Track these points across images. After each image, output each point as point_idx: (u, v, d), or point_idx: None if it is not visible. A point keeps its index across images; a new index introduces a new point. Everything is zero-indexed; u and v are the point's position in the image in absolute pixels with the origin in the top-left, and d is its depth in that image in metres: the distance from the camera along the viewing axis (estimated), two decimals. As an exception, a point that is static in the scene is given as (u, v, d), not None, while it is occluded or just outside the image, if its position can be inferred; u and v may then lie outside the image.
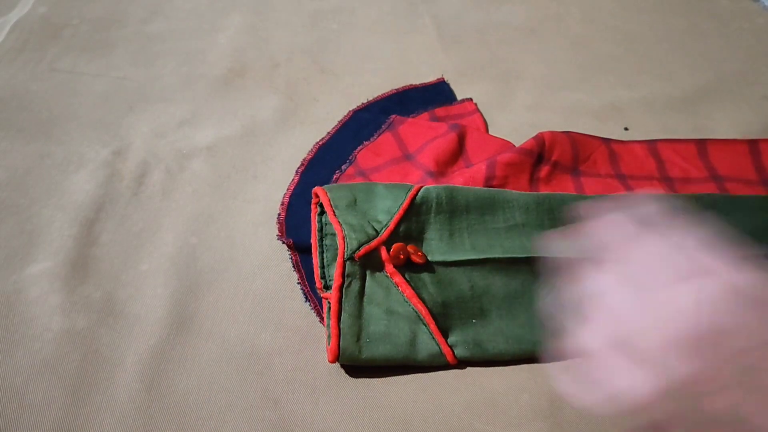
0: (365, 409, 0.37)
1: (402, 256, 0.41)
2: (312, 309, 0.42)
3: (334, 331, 0.38)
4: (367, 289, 0.40)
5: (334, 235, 0.42)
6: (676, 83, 0.62)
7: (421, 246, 0.42)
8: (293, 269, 0.44)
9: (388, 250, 0.40)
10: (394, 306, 0.40)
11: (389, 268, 0.40)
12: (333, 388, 0.38)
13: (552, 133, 0.52)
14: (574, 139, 0.53)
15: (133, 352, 0.39)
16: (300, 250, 0.45)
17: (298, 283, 0.43)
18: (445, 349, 0.39)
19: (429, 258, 0.41)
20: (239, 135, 0.55)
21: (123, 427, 0.36)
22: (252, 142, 0.54)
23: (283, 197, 0.49)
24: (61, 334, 0.40)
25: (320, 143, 0.54)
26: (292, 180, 0.50)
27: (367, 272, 0.40)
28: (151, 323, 0.41)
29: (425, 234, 0.43)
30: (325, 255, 0.42)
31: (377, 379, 0.38)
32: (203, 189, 0.50)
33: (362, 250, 0.40)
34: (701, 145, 0.52)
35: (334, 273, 0.40)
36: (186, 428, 0.36)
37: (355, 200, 0.43)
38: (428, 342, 0.39)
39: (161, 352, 0.39)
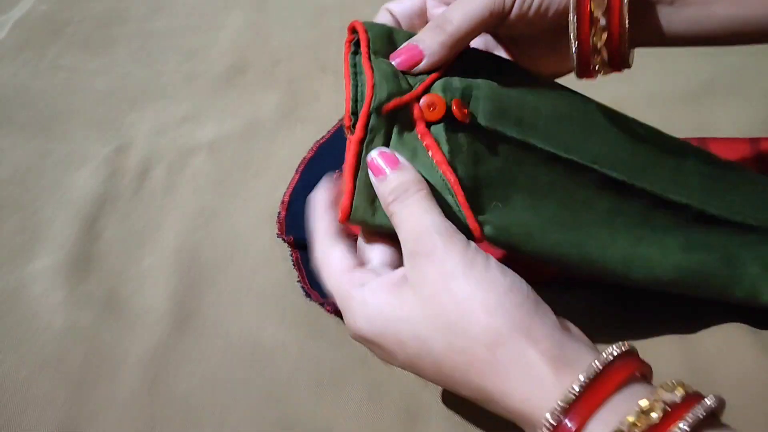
0: (369, 405, 0.37)
1: (438, 110, 0.34)
2: (314, 301, 0.42)
3: (348, 186, 0.33)
4: (391, 148, 0.34)
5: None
6: (677, 79, 0.61)
7: (468, 104, 0.36)
8: (293, 267, 0.44)
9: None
10: (420, 171, 0.34)
11: (420, 127, 0.35)
12: (337, 384, 0.38)
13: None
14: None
15: (135, 348, 0.39)
16: (300, 247, 0.45)
17: (298, 281, 0.43)
18: (472, 224, 0.33)
19: (476, 117, 0.36)
20: (240, 132, 0.55)
21: (126, 423, 0.36)
22: (253, 139, 0.54)
23: (284, 195, 0.49)
24: (64, 330, 0.40)
25: (320, 142, 0.54)
26: (293, 178, 0.50)
27: (395, 129, 0.35)
28: (153, 320, 0.41)
29: (473, 91, 0.36)
30: (358, 90, 0.35)
31: (382, 375, 0.38)
32: (205, 186, 0.50)
33: (392, 103, 0.34)
34: (702, 142, 0.52)
35: (357, 124, 0.34)
36: (189, 424, 0.36)
37: (396, 45, 0.37)
38: (453, 215, 0.34)
39: (164, 349, 0.39)
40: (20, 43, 0.65)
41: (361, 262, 0.32)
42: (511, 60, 0.40)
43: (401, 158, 0.32)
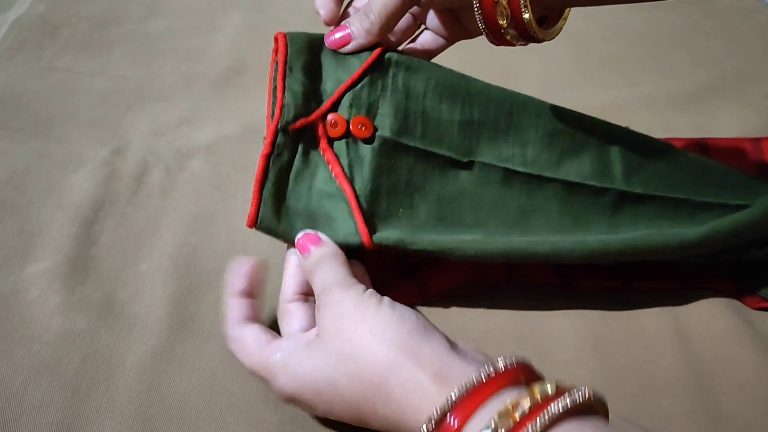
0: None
1: (339, 128, 0.38)
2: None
3: (255, 197, 0.37)
4: (295, 164, 0.38)
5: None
6: (677, 81, 0.61)
7: (374, 118, 0.40)
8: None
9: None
10: (319, 184, 0.38)
11: (323, 143, 0.39)
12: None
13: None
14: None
15: (133, 352, 0.39)
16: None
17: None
18: (362, 228, 0.37)
19: (379, 132, 0.39)
20: (239, 134, 0.55)
21: (123, 429, 0.35)
22: (252, 141, 0.54)
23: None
24: (61, 334, 0.40)
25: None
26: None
27: (300, 146, 0.38)
28: (151, 323, 0.41)
29: (378, 109, 0.40)
30: (274, 107, 0.39)
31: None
32: (203, 188, 0.50)
33: (297, 123, 0.38)
34: (703, 143, 0.52)
35: (265, 140, 0.38)
36: (186, 429, 0.36)
37: (313, 62, 0.40)
38: (346, 220, 0.37)
39: (161, 353, 0.39)
40: (16, 44, 0.65)
41: (276, 336, 0.35)
42: (431, 63, 0.43)
43: (323, 236, 0.36)
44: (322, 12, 0.41)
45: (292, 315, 0.36)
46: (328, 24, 0.42)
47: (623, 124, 0.56)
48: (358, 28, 0.40)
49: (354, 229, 0.37)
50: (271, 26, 0.68)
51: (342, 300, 0.32)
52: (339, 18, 0.42)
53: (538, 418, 0.25)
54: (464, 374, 0.28)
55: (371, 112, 0.40)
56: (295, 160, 0.38)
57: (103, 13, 0.70)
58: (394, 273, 0.42)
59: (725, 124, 0.56)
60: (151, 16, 0.70)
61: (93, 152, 0.52)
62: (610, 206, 0.41)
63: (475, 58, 0.63)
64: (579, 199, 0.41)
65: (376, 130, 0.39)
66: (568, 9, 0.39)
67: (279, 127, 0.38)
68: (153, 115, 0.57)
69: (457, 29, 0.43)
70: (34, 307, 0.41)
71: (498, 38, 0.38)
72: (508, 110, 0.42)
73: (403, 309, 0.32)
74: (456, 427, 0.26)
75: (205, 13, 0.71)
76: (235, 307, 0.36)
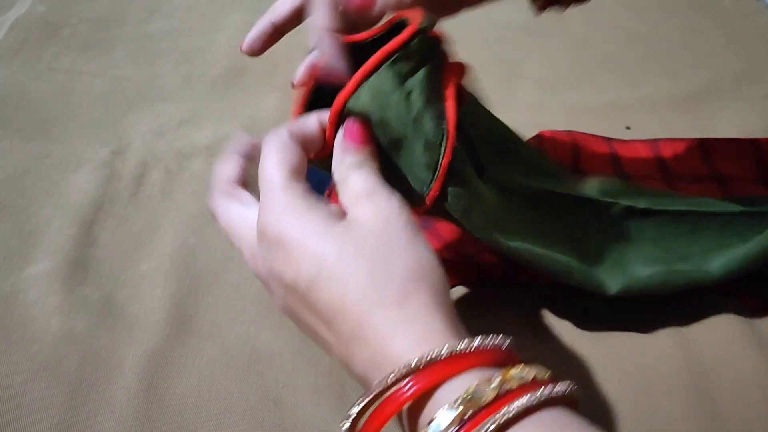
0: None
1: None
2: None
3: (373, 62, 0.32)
4: (415, 74, 0.33)
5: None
6: (678, 82, 0.61)
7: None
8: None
9: None
10: (418, 111, 0.33)
11: (448, 84, 0.34)
12: (334, 388, 0.38)
13: (553, 132, 0.51)
14: (575, 138, 0.52)
15: (132, 353, 0.39)
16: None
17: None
18: (437, 184, 0.33)
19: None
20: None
21: (122, 429, 0.35)
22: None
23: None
24: (60, 335, 0.40)
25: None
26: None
27: (427, 66, 0.34)
28: (150, 324, 0.40)
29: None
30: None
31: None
32: (203, 189, 0.50)
33: (434, 32, 0.34)
34: (703, 143, 0.52)
35: (399, 35, 0.32)
36: (185, 429, 0.36)
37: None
38: (421, 168, 0.33)
39: (161, 353, 0.39)
40: (17, 44, 0.65)
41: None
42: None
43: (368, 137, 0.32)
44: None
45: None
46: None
47: (623, 125, 0.56)
48: None
49: (428, 178, 0.33)
50: (272, 27, 0.69)
51: (399, 211, 0.29)
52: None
53: (504, 408, 0.23)
54: (448, 342, 0.26)
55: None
56: (419, 73, 0.33)
57: (104, 13, 0.70)
58: None
59: (725, 124, 0.56)
60: (152, 17, 0.70)
61: (93, 153, 0.53)
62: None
63: (476, 60, 0.63)
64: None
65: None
66: None
67: (421, 25, 0.33)
68: (153, 115, 0.57)
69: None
70: (34, 307, 0.41)
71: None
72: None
73: (435, 260, 0.29)
74: (408, 395, 0.24)
75: (206, 14, 0.71)
76: (227, 167, 0.34)
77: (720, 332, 0.40)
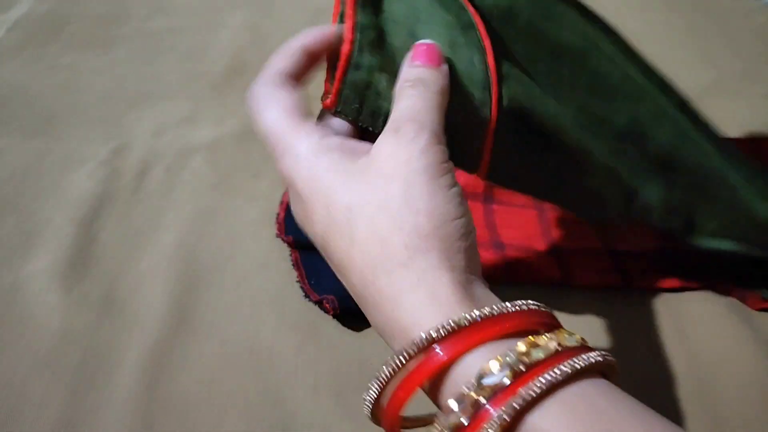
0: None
1: None
2: (312, 302, 0.41)
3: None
4: None
5: None
6: (676, 82, 0.61)
7: None
8: (293, 267, 0.44)
9: None
10: (446, 14, 0.31)
11: None
12: (334, 387, 0.38)
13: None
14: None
15: (132, 350, 0.39)
16: (299, 247, 0.45)
17: (297, 281, 0.43)
18: (492, 65, 0.30)
19: None
20: (240, 133, 0.55)
21: (122, 426, 0.36)
22: (252, 140, 0.54)
23: (282, 196, 0.49)
24: (60, 332, 0.40)
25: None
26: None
27: None
28: (150, 322, 0.41)
29: None
30: None
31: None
32: (203, 187, 0.50)
33: None
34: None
35: None
36: (185, 427, 0.36)
37: None
38: (473, 54, 0.30)
39: (160, 351, 0.39)
40: (19, 42, 0.65)
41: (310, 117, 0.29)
42: None
43: (443, 63, 0.29)
44: None
45: (332, 118, 0.30)
46: None
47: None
48: None
49: (483, 70, 0.30)
50: (273, 26, 0.69)
51: (424, 151, 0.26)
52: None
53: (556, 368, 0.21)
54: (487, 303, 0.24)
55: None
56: None
57: (106, 11, 0.70)
58: None
59: (724, 124, 0.56)
60: (153, 15, 0.70)
61: (94, 151, 0.53)
62: None
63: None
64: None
65: None
66: None
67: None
68: (154, 113, 0.57)
69: None
70: (35, 304, 0.41)
71: None
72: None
73: (466, 213, 0.26)
74: (445, 359, 0.22)
75: (207, 13, 0.71)
76: (281, 59, 0.30)
77: (720, 331, 0.40)
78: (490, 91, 0.30)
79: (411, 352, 0.23)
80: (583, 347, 0.23)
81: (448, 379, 0.23)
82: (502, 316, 0.23)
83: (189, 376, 0.38)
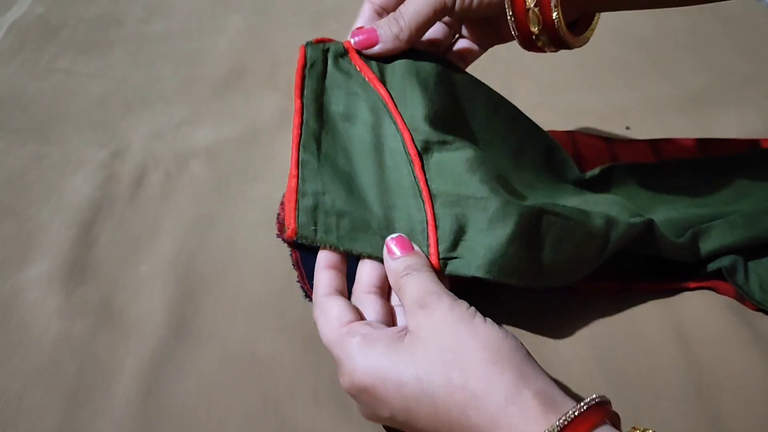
0: (367, 414, 0.36)
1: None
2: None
3: (297, 108, 0.39)
4: (329, 71, 0.40)
5: None
6: (678, 83, 0.61)
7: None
8: (293, 267, 0.44)
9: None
10: (354, 88, 0.40)
11: (351, 53, 0.41)
12: (334, 392, 0.37)
13: (554, 132, 0.51)
14: (575, 139, 0.52)
15: (131, 355, 0.39)
16: (300, 247, 0.44)
17: (298, 281, 0.43)
18: (401, 124, 0.38)
19: None
20: (239, 136, 0.55)
21: (121, 433, 0.35)
22: (252, 143, 0.54)
23: (283, 196, 0.48)
24: (59, 337, 0.40)
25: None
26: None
27: (330, 57, 0.41)
28: (149, 326, 0.40)
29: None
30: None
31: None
32: (202, 191, 0.50)
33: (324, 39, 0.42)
34: (704, 144, 0.52)
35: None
36: (185, 433, 0.35)
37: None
38: (390, 126, 0.38)
39: (160, 356, 0.39)
40: (16, 45, 0.65)
41: (359, 317, 0.34)
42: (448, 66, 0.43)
43: (415, 246, 0.36)
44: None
45: (367, 306, 0.35)
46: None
47: (624, 126, 0.56)
48: (386, 32, 0.40)
49: (395, 130, 0.38)
50: (272, 29, 0.68)
51: (451, 308, 0.31)
52: None
53: None
54: (565, 403, 0.28)
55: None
56: (328, 67, 0.40)
57: (103, 14, 0.70)
58: None
59: (726, 126, 0.56)
60: (151, 18, 0.70)
61: (92, 154, 0.52)
62: None
63: (477, 61, 0.63)
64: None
65: None
66: (597, 16, 0.41)
67: (306, 43, 0.40)
68: (152, 117, 0.57)
69: (490, 36, 0.44)
70: (33, 309, 0.41)
71: (530, 44, 0.39)
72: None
73: (507, 331, 0.31)
74: None
75: (206, 16, 0.70)
76: (325, 276, 0.36)
77: (720, 332, 0.40)
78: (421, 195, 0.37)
79: None
80: None
81: None
82: (582, 416, 0.27)
83: (188, 382, 0.38)
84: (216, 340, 0.40)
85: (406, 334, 0.31)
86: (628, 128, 0.56)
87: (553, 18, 0.36)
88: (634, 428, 0.28)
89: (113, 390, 0.37)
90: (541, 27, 0.37)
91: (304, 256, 0.44)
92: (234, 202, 0.49)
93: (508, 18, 0.37)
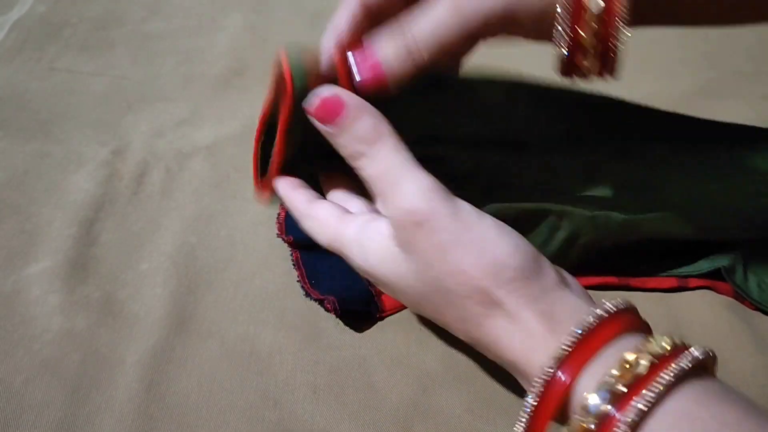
0: (366, 410, 0.37)
1: None
2: (314, 300, 0.41)
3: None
4: None
5: None
6: (676, 82, 0.61)
7: None
8: (293, 267, 0.44)
9: None
10: None
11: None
12: (334, 388, 0.38)
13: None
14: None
15: (132, 352, 0.39)
16: (300, 247, 0.45)
17: (298, 281, 0.43)
18: None
19: None
20: (239, 134, 0.55)
21: (123, 428, 0.36)
22: (251, 141, 0.54)
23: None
24: (61, 334, 0.40)
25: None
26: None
27: None
28: (150, 323, 0.41)
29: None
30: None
31: (379, 378, 0.38)
32: (203, 188, 0.50)
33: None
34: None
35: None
36: (186, 428, 0.36)
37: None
38: None
39: (161, 352, 0.39)
40: (17, 44, 0.65)
41: (348, 210, 0.32)
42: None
43: (350, 97, 0.28)
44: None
45: (350, 204, 0.33)
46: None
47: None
48: (396, 65, 0.29)
49: None
50: (271, 27, 0.69)
51: (438, 224, 0.27)
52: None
53: (661, 377, 0.22)
54: (575, 315, 0.25)
55: None
56: None
57: (104, 13, 0.70)
58: None
59: (724, 124, 0.56)
60: (151, 17, 0.70)
61: (93, 152, 0.53)
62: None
63: (475, 59, 0.63)
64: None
65: None
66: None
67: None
68: (153, 115, 0.57)
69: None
70: (35, 306, 0.41)
71: (572, 65, 0.31)
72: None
73: (510, 234, 0.27)
74: (567, 382, 0.24)
75: (205, 14, 0.71)
76: (298, 193, 0.34)
77: (719, 332, 0.40)
78: None
79: (537, 389, 0.24)
80: (675, 349, 0.24)
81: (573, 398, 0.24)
82: (591, 332, 0.24)
83: (189, 378, 0.38)
84: (216, 336, 0.40)
85: (394, 240, 0.28)
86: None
87: (615, 46, 0.30)
88: (652, 338, 0.24)
89: (115, 385, 0.37)
90: (595, 38, 0.29)
91: (304, 255, 0.44)
92: (234, 200, 0.49)
93: (559, 20, 0.29)
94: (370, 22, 0.31)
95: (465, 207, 0.27)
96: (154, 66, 0.63)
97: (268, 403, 0.37)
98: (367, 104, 0.28)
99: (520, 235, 0.27)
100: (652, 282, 0.43)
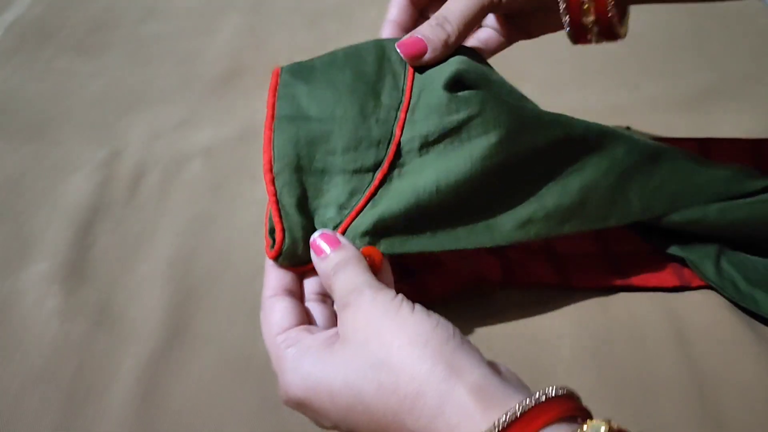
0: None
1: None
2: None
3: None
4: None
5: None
6: (679, 84, 0.61)
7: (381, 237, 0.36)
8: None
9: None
10: None
11: None
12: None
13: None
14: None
15: (129, 356, 0.39)
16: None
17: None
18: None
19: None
20: (237, 136, 0.55)
21: (120, 434, 0.35)
22: (250, 143, 0.54)
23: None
24: (58, 339, 0.40)
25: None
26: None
27: None
28: (148, 327, 0.40)
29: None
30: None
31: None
32: (201, 191, 0.50)
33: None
34: (704, 144, 0.52)
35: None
36: (184, 435, 0.35)
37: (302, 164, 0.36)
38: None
39: (158, 357, 0.39)
40: (13, 46, 0.65)
41: (303, 320, 0.33)
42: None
43: (341, 238, 0.34)
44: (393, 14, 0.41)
45: (315, 311, 0.34)
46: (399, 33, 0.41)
47: (625, 126, 0.56)
48: (433, 39, 0.37)
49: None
50: (270, 28, 0.68)
51: (373, 303, 0.29)
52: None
53: None
54: (508, 398, 0.26)
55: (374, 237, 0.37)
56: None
57: (101, 15, 0.70)
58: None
59: (726, 126, 0.56)
60: (149, 19, 0.70)
61: (90, 155, 0.52)
62: None
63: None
64: None
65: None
66: (628, 8, 0.41)
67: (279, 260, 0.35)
68: (150, 117, 0.56)
69: (514, 32, 0.44)
70: (31, 311, 0.41)
71: (580, 37, 0.40)
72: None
73: (439, 318, 0.29)
74: None
75: (203, 15, 0.70)
76: (275, 275, 0.34)
77: (721, 333, 0.40)
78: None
79: None
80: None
81: None
82: (532, 412, 0.25)
83: (186, 384, 0.38)
84: (214, 342, 0.40)
85: (337, 336, 0.30)
86: (628, 128, 0.56)
87: (608, 11, 0.38)
88: (607, 421, 0.25)
89: (111, 391, 0.37)
90: (593, 19, 0.38)
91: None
92: (232, 203, 0.49)
93: (561, 10, 0.38)
94: (417, 13, 0.42)
95: (399, 296, 0.30)
96: (151, 67, 0.62)
97: (266, 411, 0.37)
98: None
99: (443, 318, 0.29)
100: (654, 280, 0.43)
